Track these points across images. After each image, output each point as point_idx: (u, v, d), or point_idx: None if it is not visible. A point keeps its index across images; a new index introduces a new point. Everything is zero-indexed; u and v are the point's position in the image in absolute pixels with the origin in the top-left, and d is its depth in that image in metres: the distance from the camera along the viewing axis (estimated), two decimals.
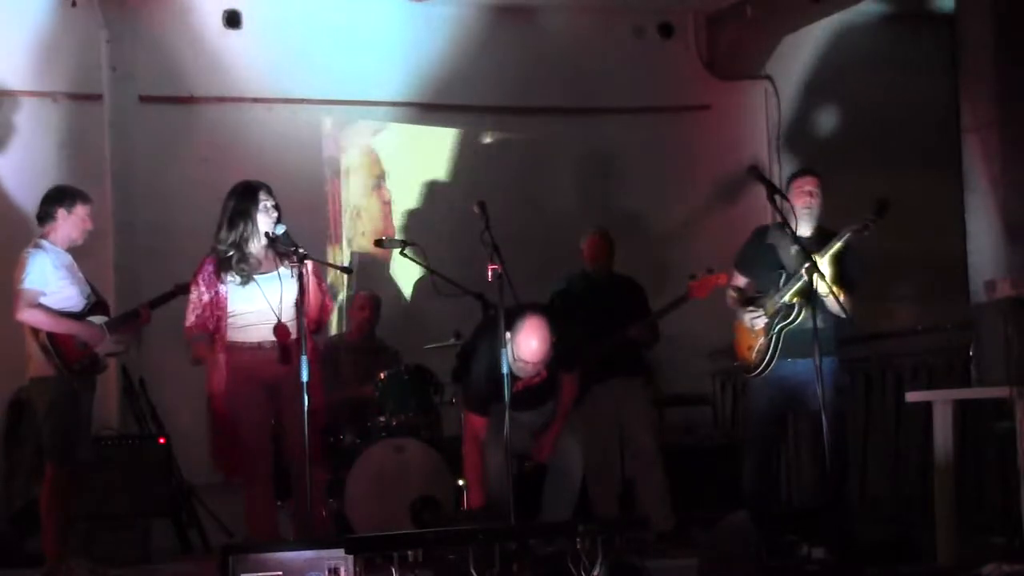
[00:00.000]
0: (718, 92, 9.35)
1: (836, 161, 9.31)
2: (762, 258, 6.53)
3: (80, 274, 6.40)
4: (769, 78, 9.36)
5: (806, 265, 6.11)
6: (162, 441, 7.57)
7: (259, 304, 6.00)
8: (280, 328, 5.99)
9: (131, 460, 7.36)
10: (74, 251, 6.45)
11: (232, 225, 6.05)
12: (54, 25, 8.22)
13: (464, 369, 6.60)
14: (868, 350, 7.73)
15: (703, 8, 9.29)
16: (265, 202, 6.06)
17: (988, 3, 7.38)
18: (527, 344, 6.08)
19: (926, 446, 6.82)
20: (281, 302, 6.01)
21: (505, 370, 5.89)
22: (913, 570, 6.00)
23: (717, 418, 8.98)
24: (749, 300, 6.51)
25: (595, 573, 5.03)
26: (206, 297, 6.03)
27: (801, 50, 9.33)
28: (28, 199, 6.53)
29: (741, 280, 6.65)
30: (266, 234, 6.01)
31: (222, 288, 6.01)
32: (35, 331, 6.18)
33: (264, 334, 6.01)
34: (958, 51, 7.76)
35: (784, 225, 6.22)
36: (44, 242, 6.28)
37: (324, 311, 6.22)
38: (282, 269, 6.03)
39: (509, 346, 6.02)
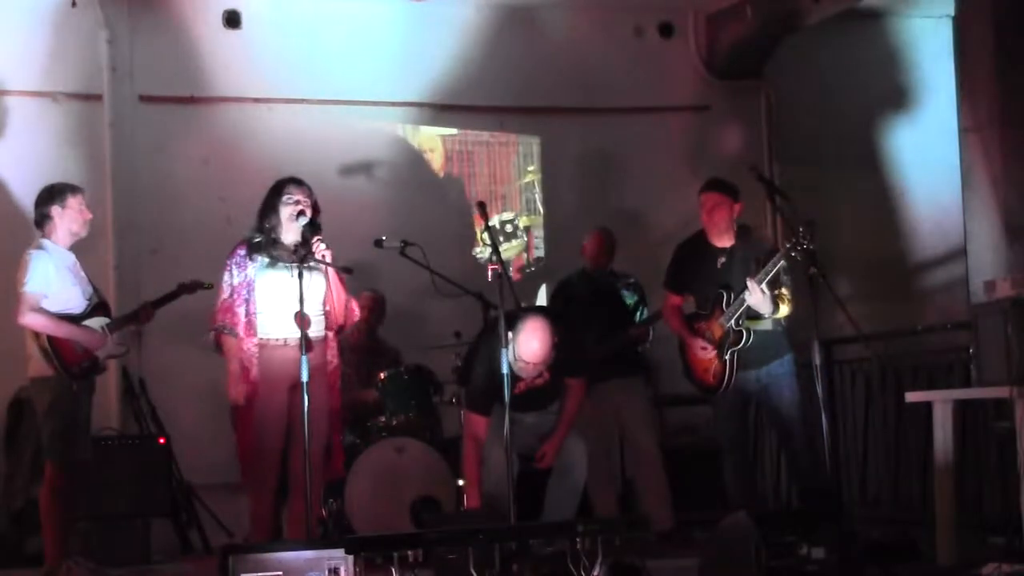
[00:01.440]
0: (718, 92, 9.35)
1: (835, 161, 9.34)
2: (693, 274, 6.61)
3: (83, 274, 6.38)
4: (769, 78, 9.36)
5: (746, 285, 6.19)
6: (162, 441, 7.56)
7: (285, 293, 6.02)
8: (300, 317, 5.97)
9: (131, 460, 7.34)
10: (75, 251, 6.44)
11: (262, 217, 6.22)
12: (54, 25, 8.22)
13: (467, 369, 6.62)
14: (868, 350, 7.73)
15: (703, 8, 9.29)
16: (289, 196, 6.17)
17: (988, 3, 7.38)
18: (528, 345, 6.10)
19: (926, 446, 6.82)
20: (308, 292, 6.01)
21: (505, 370, 5.90)
22: (913, 570, 6.00)
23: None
24: (692, 318, 6.57)
25: (595, 573, 5.03)
26: (236, 279, 6.11)
27: (801, 50, 9.32)
28: (29, 199, 6.51)
29: (677, 299, 6.68)
30: (304, 233, 6.11)
31: (251, 268, 6.12)
32: (36, 333, 6.17)
33: (289, 329, 6.03)
34: (958, 51, 7.76)
35: (705, 237, 6.38)
36: (46, 242, 6.26)
37: (350, 314, 6.27)
38: (310, 262, 6.07)
39: (511, 346, 6.03)
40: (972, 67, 7.50)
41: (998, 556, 5.68)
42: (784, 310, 6.31)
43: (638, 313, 7.58)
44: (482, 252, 8.68)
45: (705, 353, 6.46)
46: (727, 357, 6.36)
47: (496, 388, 6.01)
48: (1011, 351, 5.65)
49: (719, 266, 6.45)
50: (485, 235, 6.13)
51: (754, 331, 6.29)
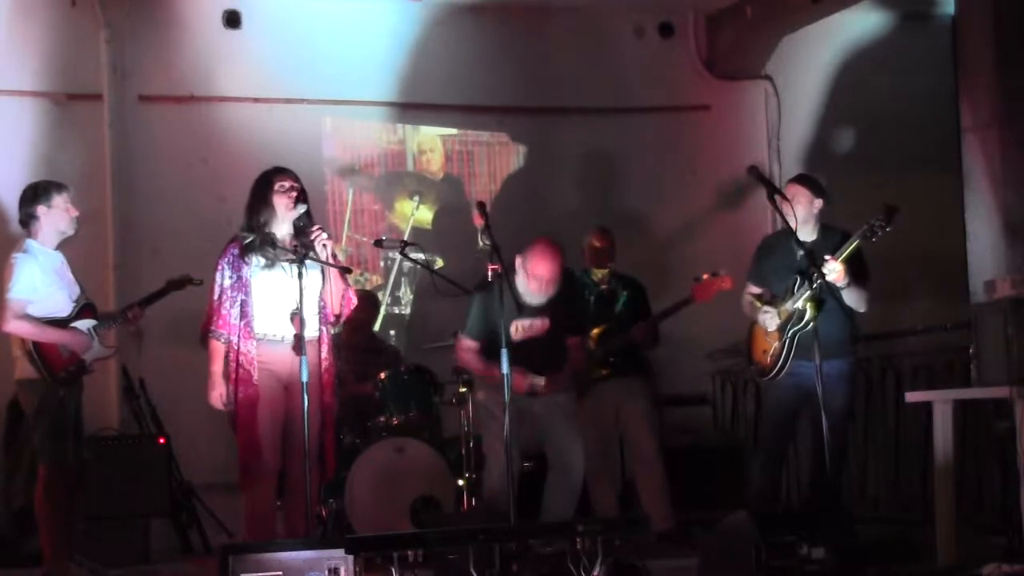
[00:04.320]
0: (718, 92, 9.35)
1: (836, 161, 9.34)
2: (772, 267, 6.60)
3: (69, 274, 6.35)
4: (769, 78, 9.36)
5: (815, 269, 6.15)
6: (162, 441, 7.57)
7: (283, 291, 5.88)
8: (298, 319, 5.89)
9: (131, 460, 7.36)
10: (73, 251, 6.44)
11: (252, 212, 6.02)
12: (54, 25, 8.23)
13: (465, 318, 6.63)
14: (868, 350, 7.73)
15: (703, 8, 9.29)
16: (281, 183, 6.00)
17: (988, 3, 7.38)
18: (538, 260, 6.25)
19: (926, 446, 6.82)
20: (306, 291, 5.89)
21: (505, 370, 5.85)
22: (913, 570, 6.00)
23: (717, 418, 8.98)
24: (765, 304, 6.56)
25: (595, 573, 5.03)
26: (228, 280, 5.93)
27: (801, 50, 9.33)
28: None
29: (756, 290, 6.69)
30: (296, 226, 5.98)
31: (246, 270, 5.93)
32: (22, 337, 6.17)
33: (287, 327, 5.90)
34: (958, 51, 7.75)
35: (789, 232, 6.28)
36: (31, 244, 6.23)
37: (346, 303, 6.12)
38: (307, 259, 5.91)
39: (520, 271, 6.21)
40: (972, 67, 7.50)
41: (998, 556, 5.67)
42: (853, 296, 6.28)
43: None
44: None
45: (768, 320, 6.45)
46: (787, 338, 6.38)
47: (493, 324, 6.03)
48: (1011, 351, 5.65)
49: (798, 259, 6.40)
50: (485, 235, 6.10)
51: (820, 326, 6.19)
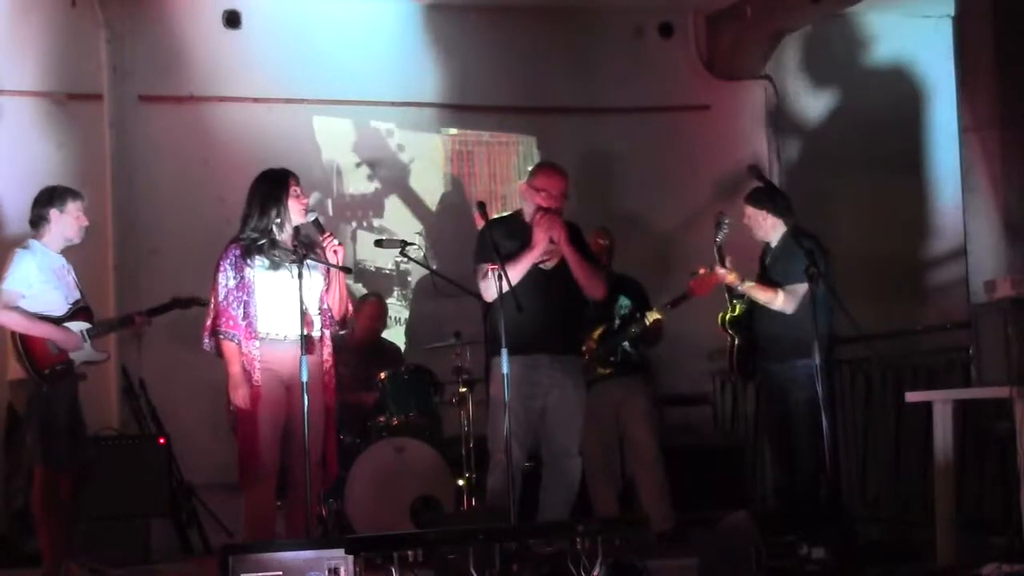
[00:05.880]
0: (718, 92, 9.34)
1: (836, 161, 9.34)
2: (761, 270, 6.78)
3: (70, 278, 6.35)
4: (769, 78, 9.36)
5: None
6: (162, 441, 7.57)
7: (287, 292, 5.86)
8: (304, 318, 5.88)
9: (131, 460, 7.35)
10: (74, 251, 6.43)
11: (264, 211, 5.95)
12: (54, 25, 8.23)
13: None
14: (868, 350, 7.73)
15: (703, 8, 9.29)
16: (295, 188, 6.00)
17: (988, 3, 7.38)
18: (545, 174, 6.32)
19: (926, 446, 6.82)
20: (306, 291, 5.91)
21: (505, 370, 5.85)
22: (913, 570, 6.00)
23: (717, 418, 8.98)
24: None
25: (595, 573, 5.03)
26: (232, 281, 5.89)
27: (801, 50, 9.33)
28: (28, 199, 6.54)
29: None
30: (296, 228, 5.99)
31: (248, 272, 5.90)
32: (12, 334, 6.16)
33: (290, 326, 5.87)
34: (958, 51, 7.76)
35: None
36: (34, 242, 6.24)
37: (347, 309, 6.16)
38: (308, 260, 5.92)
39: (527, 196, 6.29)
40: (972, 67, 7.50)
41: (998, 556, 5.68)
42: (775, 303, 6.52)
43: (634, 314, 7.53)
44: None
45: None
46: (730, 340, 6.71)
47: (502, 248, 6.05)
48: (1011, 351, 5.65)
49: (768, 261, 6.68)
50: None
51: (780, 333, 6.45)
